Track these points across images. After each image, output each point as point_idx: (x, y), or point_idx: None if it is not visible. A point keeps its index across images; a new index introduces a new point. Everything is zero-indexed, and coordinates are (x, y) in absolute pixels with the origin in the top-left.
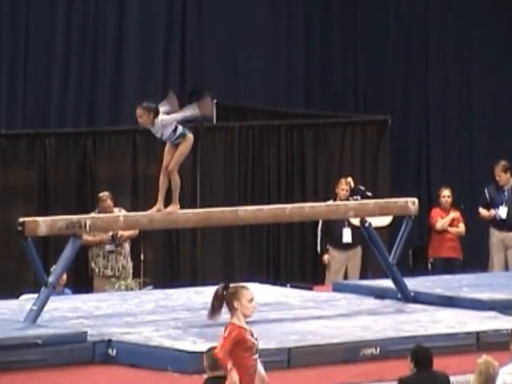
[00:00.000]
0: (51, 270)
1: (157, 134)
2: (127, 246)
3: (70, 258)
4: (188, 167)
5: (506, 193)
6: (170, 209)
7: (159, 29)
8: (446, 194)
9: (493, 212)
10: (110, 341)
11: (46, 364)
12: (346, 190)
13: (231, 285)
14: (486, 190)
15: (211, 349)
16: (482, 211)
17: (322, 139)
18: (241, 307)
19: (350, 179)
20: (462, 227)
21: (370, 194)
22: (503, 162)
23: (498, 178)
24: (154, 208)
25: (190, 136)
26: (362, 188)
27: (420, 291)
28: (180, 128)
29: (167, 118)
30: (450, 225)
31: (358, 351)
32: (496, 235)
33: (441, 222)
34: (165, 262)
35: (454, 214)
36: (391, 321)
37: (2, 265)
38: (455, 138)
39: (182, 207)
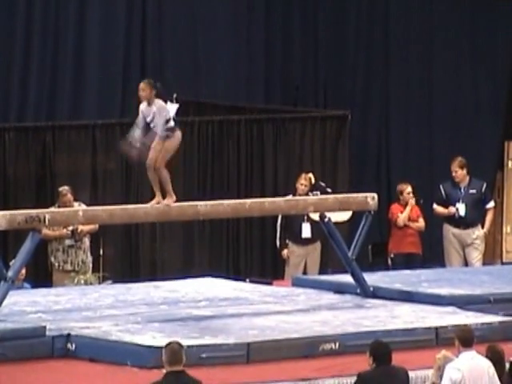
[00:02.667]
0: (10, 264)
1: (147, 118)
2: (87, 241)
3: (30, 253)
4: None
5: (462, 190)
6: (166, 201)
7: (120, 23)
8: (409, 190)
9: (452, 209)
10: (69, 335)
11: (4, 359)
12: (305, 186)
13: None
14: (441, 187)
15: (170, 343)
16: (437, 208)
17: (281, 134)
18: None
19: (310, 175)
20: (421, 222)
21: (329, 190)
22: (460, 158)
23: (454, 173)
24: (153, 201)
25: (179, 134)
26: (323, 184)
27: (379, 286)
28: (172, 122)
29: (164, 105)
30: (410, 219)
31: (318, 346)
32: (452, 232)
33: (401, 216)
34: (124, 256)
35: (411, 205)
36: (350, 316)
37: None
38: (415, 133)
39: (142, 202)
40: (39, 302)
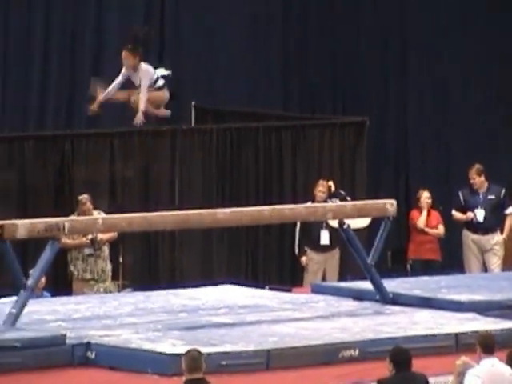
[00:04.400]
0: (30, 273)
1: (136, 81)
2: (106, 249)
3: (49, 261)
4: (166, 169)
5: (481, 196)
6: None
7: None
8: (426, 195)
9: (470, 215)
10: (88, 343)
11: (24, 367)
12: (323, 192)
13: None
14: (460, 193)
15: (190, 351)
16: (456, 214)
17: (300, 141)
18: None
19: (330, 183)
20: (441, 229)
21: (349, 198)
22: (477, 165)
23: (472, 181)
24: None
25: (167, 93)
26: (343, 192)
27: (399, 292)
28: (161, 81)
29: (148, 67)
30: (429, 226)
31: (337, 353)
32: (471, 238)
33: (420, 219)
34: (143, 264)
35: (428, 207)
36: (370, 322)
37: None
38: (433, 139)
39: (160, 209)
40: (59, 310)
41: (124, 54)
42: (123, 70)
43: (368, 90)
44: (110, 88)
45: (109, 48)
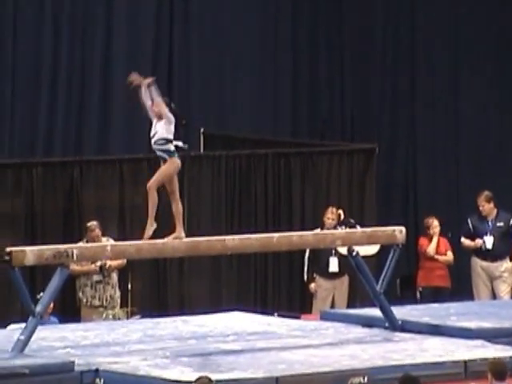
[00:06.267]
0: (38, 297)
1: (154, 131)
2: (115, 276)
3: (58, 288)
4: None
5: (490, 223)
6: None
7: (146, 58)
8: (436, 224)
9: (479, 242)
10: (97, 370)
11: None
12: (333, 219)
13: None
14: (468, 220)
15: (200, 378)
16: (465, 241)
17: (308, 168)
18: None
19: (340, 211)
20: (450, 255)
21: (358, 226)
22: (486, 192)
23: (481, 208)
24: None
25: (178, 161)
26: (352, 220)
27: (407, 320)
28: (172, 147)
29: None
30: (438, 253)
31: (346, 380)
32: (480, 265)
33: (430, 247)
34: (152, 291)
35: (437, 235)
36: (379, 349)
37: None
38: (442, 166)
39: (168, 235)
40: (67, 337)
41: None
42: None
43: (377, 116)
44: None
45: (117, 73)
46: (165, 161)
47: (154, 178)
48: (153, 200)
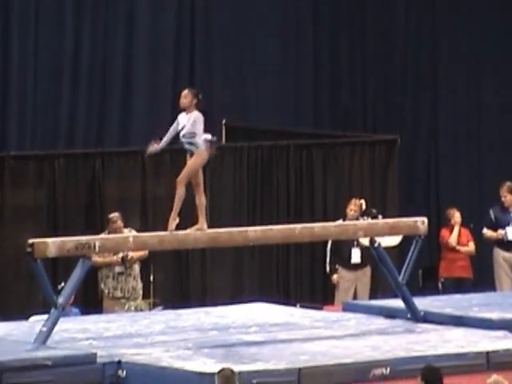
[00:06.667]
0: (59, 287)
1: (183, 123)
2: (137, 268)
3: (80, 280)
4: None
5: (511, 214)
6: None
7: (168, 52)
8: (457, 215)
9: (501, 232)
10: (119, 362)
11: None
12: (355, 211)
13: None
14: (490, 211)
15: (223, 369)
16: (487, 232)
17: (330, 159)
18: None
19: (362, 201)
20: (472, 246)
21: (380, 216)
22: (509, 183)
23: (503, 198)
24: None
25: (205, 153)
26: (374, 211)
27: (430, 311)
28: (200, 141)
29: (201, 117)
30: (460, 244)
31: (368, 371)
32: (502, 255)
33: (452, 237)
34: (174, 282)
35: (459, 225)
36: (401, 340)
37: (12, 286)
38: (464, 156)
39: (190, 226)
40: (90, 328)
41: (185, 91)
42: (179, 117)
43: (398, 107)
44: (166, 137)
45: (138, 67)
46: (191, 154)
47: (183, 173)
48: (180, 194)
